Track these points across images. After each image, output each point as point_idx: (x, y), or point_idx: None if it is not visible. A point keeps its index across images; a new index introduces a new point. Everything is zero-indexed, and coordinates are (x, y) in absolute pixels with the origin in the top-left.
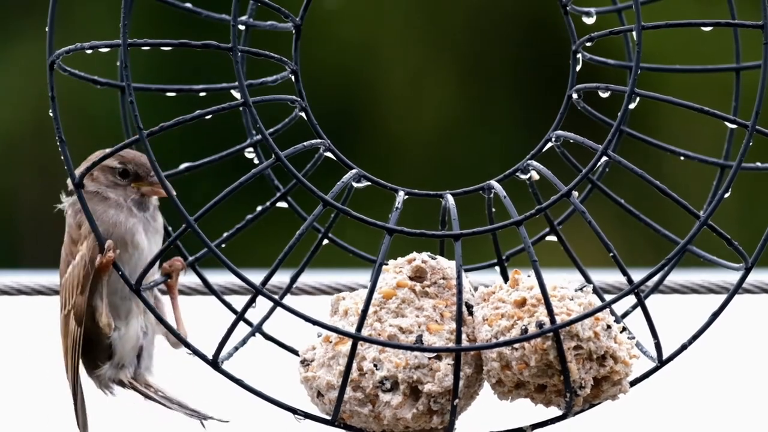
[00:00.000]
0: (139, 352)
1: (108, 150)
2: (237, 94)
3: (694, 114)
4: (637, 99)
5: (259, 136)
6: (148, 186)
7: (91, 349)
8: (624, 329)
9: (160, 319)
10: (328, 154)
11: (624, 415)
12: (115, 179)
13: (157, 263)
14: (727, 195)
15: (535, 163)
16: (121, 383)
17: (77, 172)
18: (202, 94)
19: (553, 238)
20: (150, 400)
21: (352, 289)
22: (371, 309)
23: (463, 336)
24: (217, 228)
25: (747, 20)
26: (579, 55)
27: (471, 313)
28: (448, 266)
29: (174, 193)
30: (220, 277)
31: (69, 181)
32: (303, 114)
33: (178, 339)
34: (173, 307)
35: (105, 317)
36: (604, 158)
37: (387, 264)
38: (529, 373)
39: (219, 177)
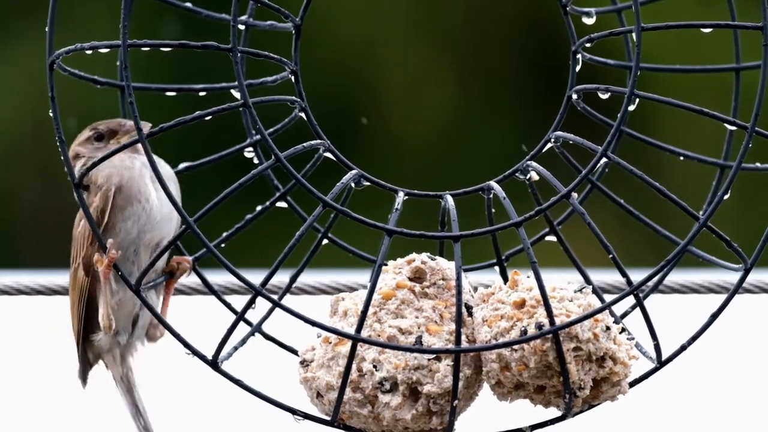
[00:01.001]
0: (134, 320)
1: (93, 124)
2: (237, 94)
3: (693, 114)
4: (637, 100)
5: (258, 137)
6: (125, 135)
7: (91, 316)
8: (623, 330)
9: (159, 319)
10: (328, 155)
11: (623, 416)
12: (95, 145)
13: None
14: (726, 196)
15: (534, 163)
16: (106, 362)
17: (75, 171)
18: (202, 94)
19: (552, 238)
20: (120, 394)
21: (352, 290)
22: (371, 310)
23: (463, 337)
24: (217, 228)
25: (747, 20)
26: (579, 56)
27: (470, 314)
28: (448, 267)
29: (149, 125)
30: (220, 277)
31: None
32: (303, 114)
33: (178, 339)
34: (163, 304)
35: (106, 319)
36: (604, 159)
37: (386, 265)
38: (529, 375)
39: (219, 177)
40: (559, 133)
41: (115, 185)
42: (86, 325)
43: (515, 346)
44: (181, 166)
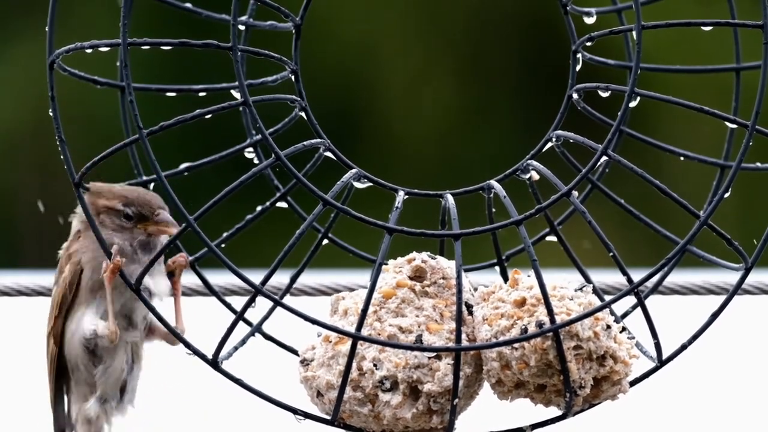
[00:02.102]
0: (122, 386)
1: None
2: (237, 94)
3: (694, 114)
4: (638, 99)
5: (259, 136)
6: (153, 225)
7: (78, 383)
8: (624, 329)
9: (160, 318)
10: (328, 154)
11: (624, 416)
12: (121, 222)
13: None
14: (727, 195)
15: (535, 162)
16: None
17: (77, 172)
18: (202, 94)
19: (553, 238)
20: None
21: (351, 289)
22: (371, 309)
23: (463, 336)
24: (217, 227)
25: (747, 19)
26: (579, 55)
27: (471, 313)
28: (448, 266)
29: (179, 228)
30: (219, 277)
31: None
32: (303, 114)
33: (177, 338)
34: (175, 302)
35: (111, 324)
36: (604, 158)
37: (387, 264)
38: (529, 373)
39: (219, 177)
40: (559, 132)
41: (84, 263)
42: (77, 395)
43: (516, 345)
44: (182, 166)
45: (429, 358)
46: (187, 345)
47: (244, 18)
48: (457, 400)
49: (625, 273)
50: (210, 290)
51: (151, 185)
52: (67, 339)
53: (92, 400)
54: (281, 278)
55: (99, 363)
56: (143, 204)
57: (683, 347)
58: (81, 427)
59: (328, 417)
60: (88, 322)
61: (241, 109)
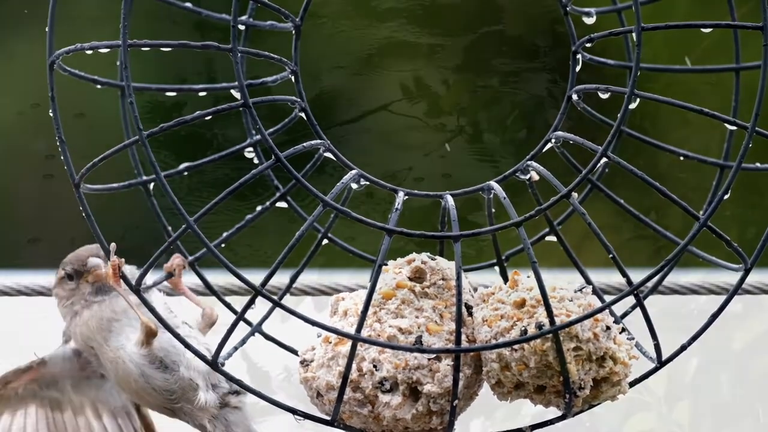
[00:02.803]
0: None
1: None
2: (237, 95)
3: (693, 114)
4: (637, 100)
5: (258, 136)
6: (89, 275)
7: (181, 391)
8: (623, 330)
9: (160, 319)
10: (328, 155)
11: (623, 416)
12: (69, 285)
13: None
14: (726, 196)
15: (534, 163)
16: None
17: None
18: (202, 93)
19: (553, 238)
20: None
21: (352, 290)
22: (371, 310)
23: (463, 337)
24: (217, 227)
25: (746, 20)
26: (579, 56)
27: (470, 314)
28: (448, 267)
29: (108, 268)
30: (220, 277)
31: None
32: (303, 114)
33: (178, 339)
34: (188, 298)
35: (141, 316)
36: (604, 159)
37: (386, 264)
38: (529, 374)
39: (219, 177)
40: (559, 133)
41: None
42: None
43: (515, 346)
44: (181, 166)
45: (429, 359)
46: (188, 346)
47: (243, 18)
48: (456, 401)
49: (624, 274)
50: (210, 290)
51: (151, 185)
52: (142, 388)
53: (201, 393)
54: (281, 278)
55: (176, 366)
56: (74, 260)
57: (683, 348)
58: (211, 425)
59: (328, 417)
60: (131, 354)
61: (241, 109)
